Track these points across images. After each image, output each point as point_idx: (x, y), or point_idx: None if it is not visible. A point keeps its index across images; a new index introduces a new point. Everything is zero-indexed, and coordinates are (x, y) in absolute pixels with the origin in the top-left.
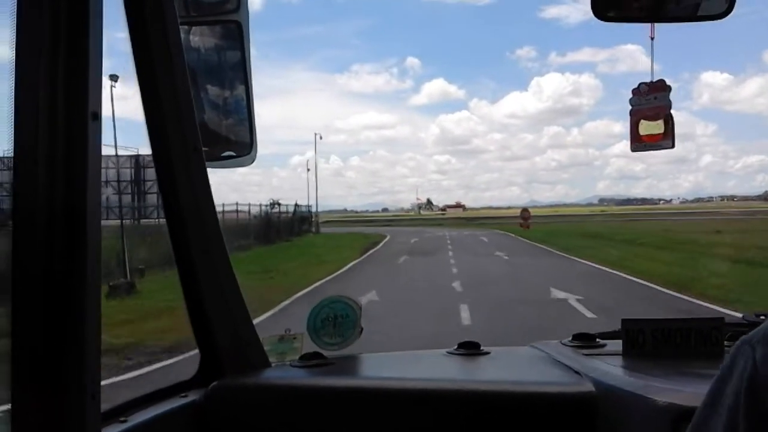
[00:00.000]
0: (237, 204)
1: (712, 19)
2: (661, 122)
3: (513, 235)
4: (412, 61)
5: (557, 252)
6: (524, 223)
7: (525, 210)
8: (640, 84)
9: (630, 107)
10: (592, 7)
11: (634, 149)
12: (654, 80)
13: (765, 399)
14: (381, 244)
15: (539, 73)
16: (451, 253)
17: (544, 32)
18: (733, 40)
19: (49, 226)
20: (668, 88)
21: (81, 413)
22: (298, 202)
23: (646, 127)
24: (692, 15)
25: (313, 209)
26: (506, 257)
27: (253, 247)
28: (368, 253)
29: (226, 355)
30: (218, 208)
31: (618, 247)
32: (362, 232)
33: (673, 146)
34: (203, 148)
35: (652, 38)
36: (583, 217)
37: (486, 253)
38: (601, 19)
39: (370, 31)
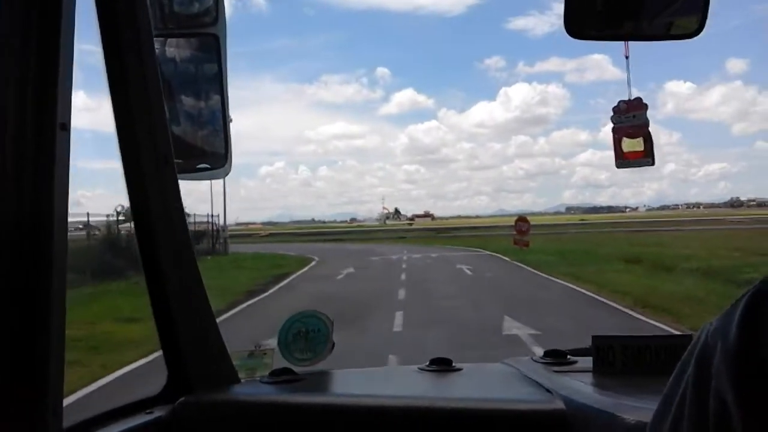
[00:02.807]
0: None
1: (684, 38)
2: (641, 140)
3: (507, 259)
4: (382, 71)
5: (650, 320)
6: (520, 239)
7: (522, 220)
8: (619, 102)
9: (612, 125)
10: (566, 26)
11: (619, 165)
12: (631, 98)
13: (710, 366)
14: (283, 284)
15: (507, 83)
16: (399, 319)
17: (512, 43)
18: (698, 49)
19: (14, 235)
20: (645, 107)
21: (42, 429)
22: (189, 211)
23: (629, 145)
24: (665, 34)
25: (221, 221)
26: (537, 346)
27: None
28: (234, 311)
29: (194, 371)
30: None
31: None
32: (283, 255)
33: (653, 163)
34: (177, 160)
35: (627, 57)
36: (562, 227)
37: (482, 319)
38: (575, 38)
39: (340, 42)
